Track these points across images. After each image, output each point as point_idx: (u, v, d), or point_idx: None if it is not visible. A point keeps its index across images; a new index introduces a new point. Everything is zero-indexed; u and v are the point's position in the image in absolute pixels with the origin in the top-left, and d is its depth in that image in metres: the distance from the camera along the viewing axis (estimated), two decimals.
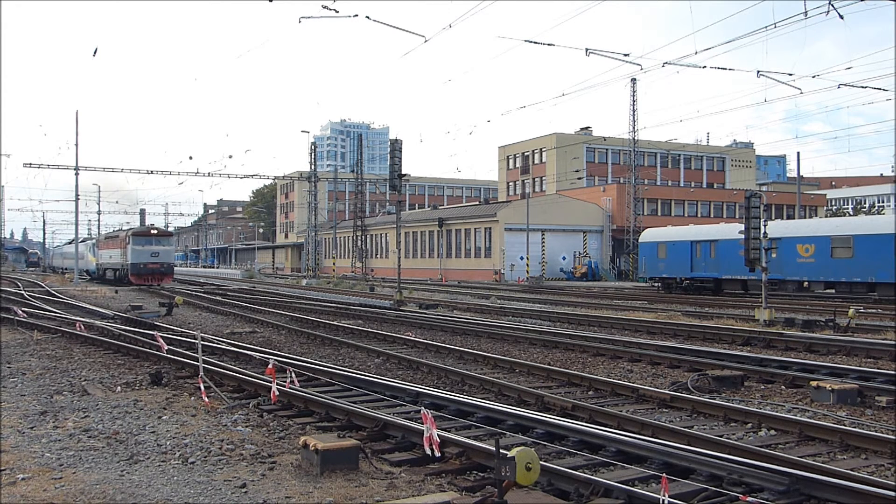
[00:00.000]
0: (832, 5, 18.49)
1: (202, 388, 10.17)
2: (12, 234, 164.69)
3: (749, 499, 5.47)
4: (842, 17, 18.91)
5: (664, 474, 5.59)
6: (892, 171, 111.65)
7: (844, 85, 32.42)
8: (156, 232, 49.14)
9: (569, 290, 45.10)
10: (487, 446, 6.89)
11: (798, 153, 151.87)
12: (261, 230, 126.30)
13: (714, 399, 10.17)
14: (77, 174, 53.47)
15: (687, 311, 26.68)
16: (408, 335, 18.26)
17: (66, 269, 77.19)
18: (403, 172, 30.76)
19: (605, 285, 52.63)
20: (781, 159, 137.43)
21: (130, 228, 52.88)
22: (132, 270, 46.29)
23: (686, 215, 68.70)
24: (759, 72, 26.79)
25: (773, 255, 28.70)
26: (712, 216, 69.73)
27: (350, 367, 13.02)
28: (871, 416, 9.47)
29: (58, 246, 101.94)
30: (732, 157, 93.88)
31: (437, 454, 6.84)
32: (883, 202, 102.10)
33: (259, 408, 9.59)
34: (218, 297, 33.70)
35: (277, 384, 9.54)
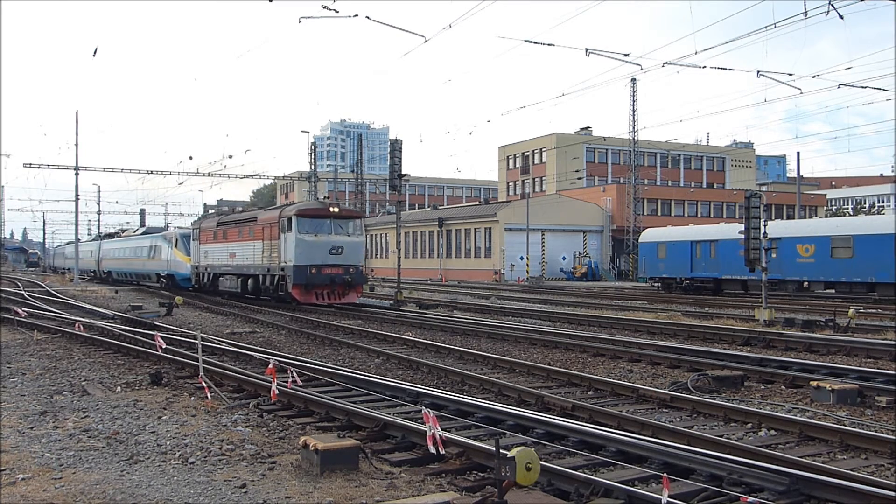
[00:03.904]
0: (832, 5, 18.48)
1: (205, 386, 10.17)
2: (12, 234, 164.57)
3: (749, 499, 5.47)
4: (842, 17, 18.90)
5: (665, 474, 5.59)
6: (892, 171, 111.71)
7: (844, 85, 32.41)
8: (337, 211, 28.13)
9: (569, 290, 45.09)
10: (487, 446, 6.89)
11: (798, 153, 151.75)
12: None
13: (714, 399, 10.17)
14: (77, 174, 53.43)
15: (687, 311, 26.68)
16: (408, 335, 18.26)
17: (81, 270, 61.62)
18: (403, 172, 30.77)
19: (605, 285, 52.62)
20: (781, 159, 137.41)
21: (286, 204, 33.88)
22: (297, 278, 26.58)
23: (686, 215, 68.68)
24: (759, 72, 26.78)
25: (773, 255, 28.69)
26: (712, 216, 69.71)
27: (350, 367, 13.02)
28: (871, 416, 9.47)
29: (72, 242, 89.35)
30: (732, 157, 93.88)
31: (442, 452, 6.85)
32: (883, 202, 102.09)
33: (259, 408, 9.59)
34: (218, 297, 33.68)
35: (278, 384, 9.54)
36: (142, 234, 49.43)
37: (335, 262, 27.11)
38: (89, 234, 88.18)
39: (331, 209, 28.01)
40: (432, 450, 6.82)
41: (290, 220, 27.14)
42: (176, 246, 40.10)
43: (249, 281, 30.68)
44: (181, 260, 39.34)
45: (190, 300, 31.85)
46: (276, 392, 9.47)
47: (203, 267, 35.45)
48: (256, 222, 30.26)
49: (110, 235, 61.23)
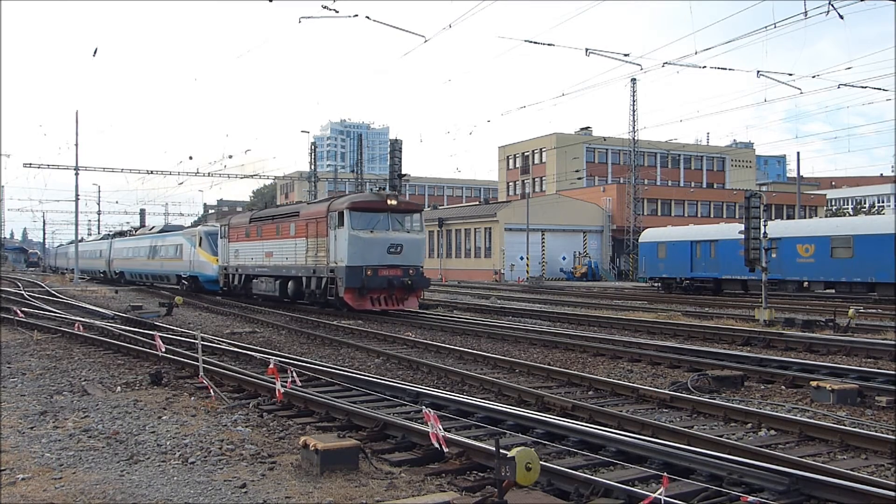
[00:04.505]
0: (832, 5, 18.48)
1: (206, 385, 10.17)
2: (12, 234, 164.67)
3: (749, 499, 5.47)
4: (842, 17, 18.92)
5: (664, 474, 5.59)
6: (892, 171, 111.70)
7: (844, 85, 32.45)
8: (395, 203, 24.69)
9: (569, 290, 45.08)
10: (487, 446, 6.89)
11: (798, 153, 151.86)
12: None
13: (714, 399, 10.17)
14: (77, 174, 53.47)
15: (687, 311, 26.68)
16: (408, 335, 18.26)
17: (90, 270, 60.59)
18: (403, 172, 30.78)
19: (605, 285, 52.62)
20: (781, 159, 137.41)
21: (334, 196, 28.81)
22: (350, 281, 23.23)
23: (686, 215, 68.70)
24: (759, 72, 26.79)
25: (773, 255, 28.69)
26: (712, 216, 69.72)
27: (350, 367, 13.02)
28: (871, 416, 9.47)
29: (81, 240, 74.86)
30: (732, 157, 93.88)
31: (445, 449, 6.85)
32: (883, 202, 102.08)
33: (259, 408, 9.59)
34: (218, 297, 33.69)
35: (279, 384, 9.55)
36: (158, 232, 46.25)
37: (393, 262, 23.79)
38: (89, 234, 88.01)
39: (388, 201, 24.39)
40: (437, 445, 6.81)
41: (341, 214, 23.79)
42: (200, 245, 36.62)
43: (290, 283, 27.25)
44: (206, 260, 36.07)
45: (190, 300, 31.84)
46: (282, 391, 9.46)
47: (233, 268, 32.03)
48: (299, 217, 26.85)
49: (122, 233, 58.42)
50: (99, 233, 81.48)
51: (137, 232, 53.40)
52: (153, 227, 51.30)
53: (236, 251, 31.70)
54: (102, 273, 56.62)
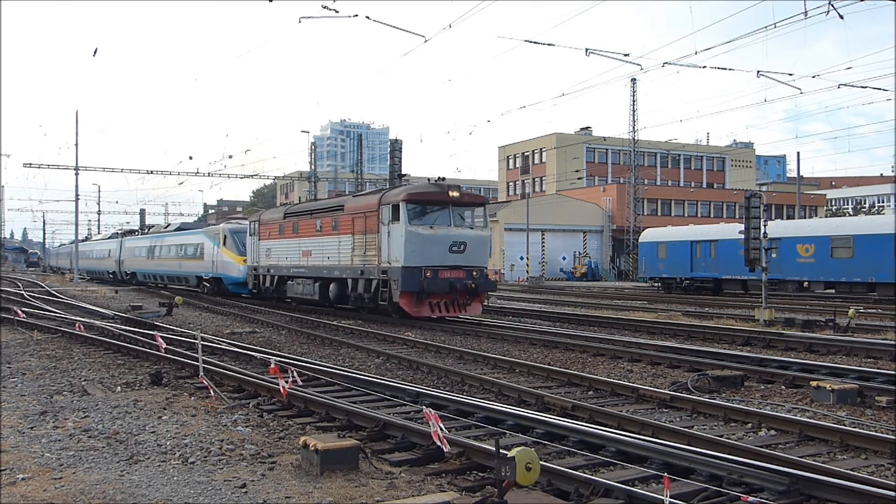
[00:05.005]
0: (832, 5, 18.49)
1: (207, 385, 10.17)
2: (12, 234, 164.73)
3: (749, 499, 5.47)
4: (842, 17, 18.91)
5: (665, 474, 5.59)
6: (892, 171, 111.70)
7: (844, 85, 32.45)
8: (457, 195, 21.81)
9: (569, 290, 45.09)
10: (487, 446, 6.89)
11: (798, 153, 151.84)
12: None
13: (714, 399, 10.17)
14: (77, 174, 53.48)
15: (687, 311, 26.68)
16: (408, 335, 18.26)
17: (97, 271, 58.26)
18: (403, 172, 30.85)
19: (605, 285, 52.63)
20: (781, 159, 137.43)
21: (387, 188, 26.23)
22: (406, 284, 20.59)
23: (686, 215, 68.73)
24: (759, 72, 26.79)
25: (773, 255, 28.71)
26: (712, 216, 69.75)
27: (350, 367, 13.02)
28: (871, 416, 9.47)
29: (84, 239, 71.51)
30: (732, 157, 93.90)
31: (446, 448, 6.84)
32: (883, 202, 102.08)
33: (259, 408, 9.59)
34: (218, 297, 33.70)
35: (282, 382, 9.54)
36: (175, 230, 43.49)
37: (455, 262, 20.98)
38: (89, 233, 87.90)
39: (450, 192, 21.41)
40: (438, 443, 6.80)
41: (396, 207, 21.06)
42: (224, 243, 33.89)
43: (332, 286, 24.71)
44: (231, 260, 33.43)
45: (190, 300, 31.84)
46: (286, 389, 9.44)
47: (264, 268, 29.39)
48: (344, 211, 24.11)
49: (132, 232, 56.11)
50: (99, 232, 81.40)
51: (151, 230, 50.56)
52: (168, 225, 48.76)
53: (268, 250, 29.18)
54: (111, 274, 54.35)
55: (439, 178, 22.35)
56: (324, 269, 25.02)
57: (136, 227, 60.48)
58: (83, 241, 67.40)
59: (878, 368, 12.55)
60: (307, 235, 26.26)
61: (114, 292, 40.11)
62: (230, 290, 33.98)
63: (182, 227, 43.95)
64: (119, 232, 61.64)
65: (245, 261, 31.87)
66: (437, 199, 21.39)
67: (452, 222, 21.31)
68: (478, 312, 22.09)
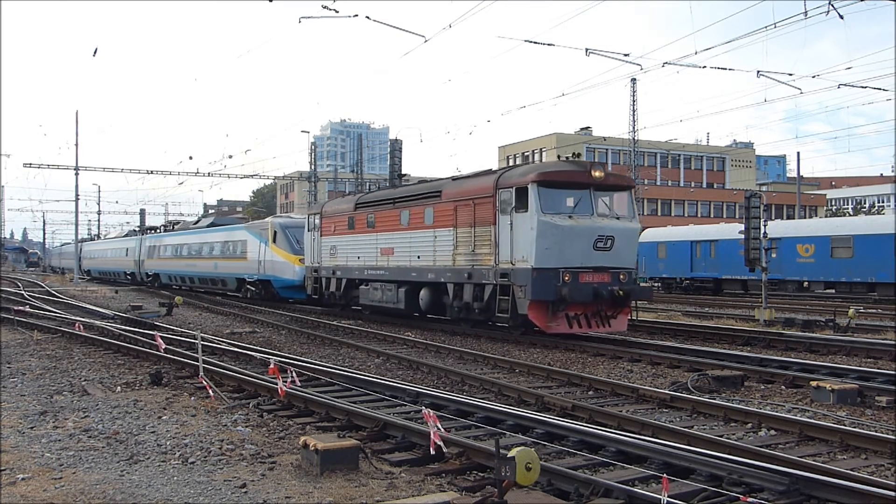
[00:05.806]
0: (832, 5, 18.48)
1: (206, 385, 10.17)
2: (12, 234, 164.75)
3: (749, 499, 5.47)
4: (842, 17, 18.89)
5: (664, 474, 5.59)
6: (892, 171, 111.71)
7: (844, 85, 32.35)
8: (601, 176, 16.86)
9: None
10: (487, 446, 6.89)
11: (798, 153, 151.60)
12: None
13: (714, 399, 10.17)
14: (77, 174, 53.49)
15: (687, 311, 26.69)
16: (408, 335, 18.26)
17: (114, 273, 54.41)
18: (403, 172, 30.84)
19: None
20: (781, 159, 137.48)
21: (507, 167, 19.22)
22: (538, 291, 16.01)
23: (686, 215, 68.78)
24: (759, 72, 26.75)
25: (773, 255, 28.71)
26: (712, 216, 69.80)
27: (350, 367, 13.02)
28: (871, 416, 9.47)
29: (92, 238, 69.74)
30: (732, 157, 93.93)
31: (443, 450, 6.84)
32: (883, 202, 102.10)
33: (259, 408, 9.59)
34: (218, 297, 33.70)
35: (281, 382, 9.55)
36: (208, 226, 39.15)
37: (600, 262, 16.52)
38: (89, 234, 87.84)
39: (593, 172, 16.81)
40: (434, 449, 6.81)
41: (522, 191, 16.55)
42: (274, 240, 29.62)
43: (423, 292, 20.25)
44: (283, 260, 29.02)
45: (190, 300, 31.82)
46: (284, 389, 9.45)
47: (328, 269, 24.96)
48: (441, 199, 19.42)
49: (153, 229, 51.53)
50: (98, 231, 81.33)
51: (177, 227, 45.80)
52: (198, 221, 44.76)
53: (333, 248, 24.69)
54: (129, 275, 49.61)
55: (575, 154, 17.87)
56: (412, 271, 20.46)
57: (163, 224, 54.39)
58: (91, 240, 66.52)
59: (878, 368, 12.56)
60: (388, 229, 21.77)
61: (114, 292, 40.11)
62: (281, 296, 29.69)
63: (215, 223, 39.57)
64: (135, 230, 58.52)
65: (301, 260, 27.38)
66: (577, 181, 16.79)
67: (595, 210, 16.79)
68: (623, 328, 17.25)
